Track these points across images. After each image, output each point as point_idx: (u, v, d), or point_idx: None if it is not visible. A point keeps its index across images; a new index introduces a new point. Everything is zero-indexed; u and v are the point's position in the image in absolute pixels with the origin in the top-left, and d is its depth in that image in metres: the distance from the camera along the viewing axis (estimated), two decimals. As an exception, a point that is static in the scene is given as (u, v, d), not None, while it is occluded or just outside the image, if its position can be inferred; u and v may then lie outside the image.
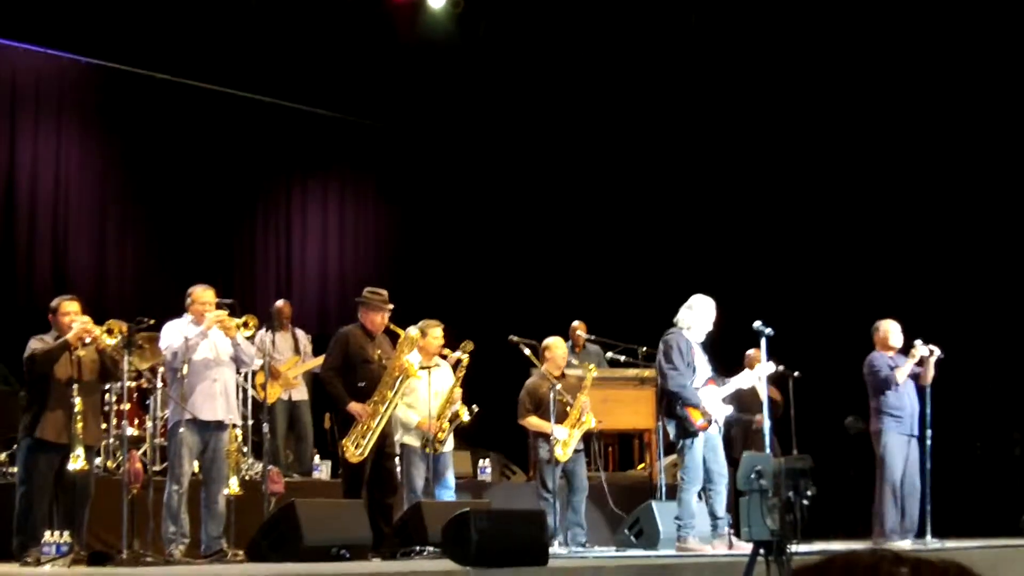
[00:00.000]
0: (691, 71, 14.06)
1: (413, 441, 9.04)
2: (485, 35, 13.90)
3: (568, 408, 9.60)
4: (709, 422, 8.80)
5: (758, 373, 9.18)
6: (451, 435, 9.30)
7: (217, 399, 8.10)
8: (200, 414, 8.01)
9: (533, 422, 9.61)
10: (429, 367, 8.94)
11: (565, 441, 9.54)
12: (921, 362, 9.52)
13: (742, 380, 9.16)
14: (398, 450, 9.05)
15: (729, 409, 9.01)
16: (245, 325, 8.12)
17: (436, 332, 9.13)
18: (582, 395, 9.70)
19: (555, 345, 9.89)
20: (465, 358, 9.06)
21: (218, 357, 8.16)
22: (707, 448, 8.85)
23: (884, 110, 13.29)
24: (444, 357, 9.40)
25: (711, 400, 8.85)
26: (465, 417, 9.14)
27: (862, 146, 13.52)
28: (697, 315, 8.94)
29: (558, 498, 9.44)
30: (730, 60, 13.85)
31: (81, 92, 12.31)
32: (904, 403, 9.48)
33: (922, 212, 13.08)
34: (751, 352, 10.23)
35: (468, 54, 13.94)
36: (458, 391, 9.14)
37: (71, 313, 7.72)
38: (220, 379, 8.15)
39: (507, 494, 10.67)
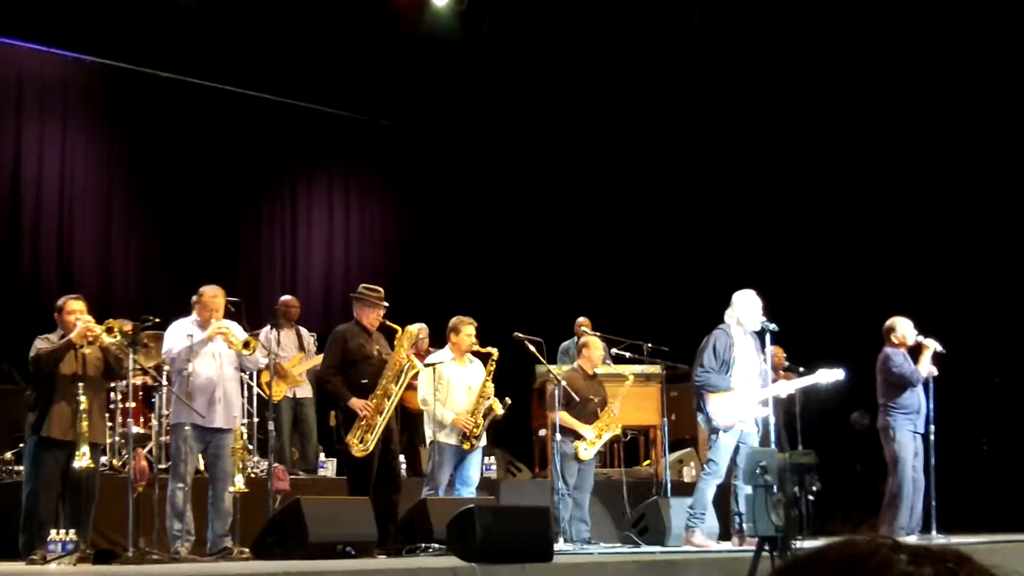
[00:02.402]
0: (695, 67, 14.05)
1: (446, 439, 9.01)
2: (489, 32, 13.89)
3: (598, 410, 9.60)
4: (734, 421, 8.77)
5: (796, 384, 9.21)
6: (484, 431, 9.26)
7: (216, 406, 8.08)
8: (201, 421, 8.01)
9: (564, 418, 9.56)
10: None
11: (592, 441, 9.55)
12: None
13: (781, 388, 9.14)
14: (427, 445, 9.08)
15: (767, 411, 8.96)
16: (246, 346, 8.10)
17: (469, 330, 9.14)
18: (617, 401, 9.71)
19: (593, 343, 10.00)
20: (495, 353, 9.08)
21: (221, 364, 8.16)
22: (742, 445, 8.81)
23: (889, 108, 13.27)
24: (474, 353, 9.38)
25: (746, 399, 8.82)
26: (499, 411, 9.14)
27: (863, 143, 13.51)
28: (738, 310, 8.94)
29: (569, 495, 9.46)
30: (735, 54, 13.84)
31: (86, 91, 12.32)
32: (915, 400, 9.49)
33: (925, 207, 13.06)
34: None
35: (473, 51, 13.94)
36: (490, 386, 9.14)
37: (76, 312, 7.73)
38: (221, 386, 8.13)
39: (513, 491, 10.67)
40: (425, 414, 9.12)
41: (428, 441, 9.07)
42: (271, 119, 13.32)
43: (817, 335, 11.51)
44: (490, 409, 9.10)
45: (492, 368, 9.12)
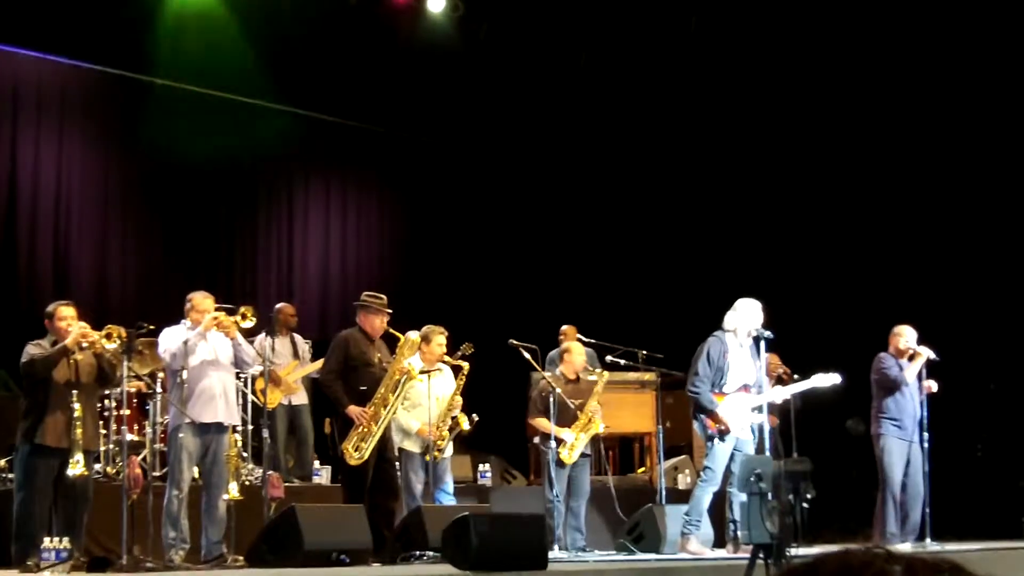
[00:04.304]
0: (691, 75, 14.06)
1: (412, 447, 9.03)
2: (485, 38, 13.90)
3: (578, 412, 9.60)
4: (728, 429, 8.77)
5: (793, 389, 9.22)
6: (450, 442, 9.26)
7: (217, 401, 8.11)
8: (200, 417, 8.01)
9: (542, 423, 9.58)
10: (430, 371, 8.94)
11: (572, 444, 9.53)
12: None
13: (776, 394, 9.14)
14: (396, 454, 9.05)
15: (762, 418, 8.95)
16: (243, 317, 8.13)
17: (440, 339, 9.13)
18: (593, 400, 9.70)
19: (574, 349, 10.02)
20: (466, 366, 9.06)
21: (217, 360, 8.17)
22: (737, 452, 8.81)
23: (885, 115, 13.28)
24: (445, 363, 9.37)
25: (737, 408, 8.81)
26: (465, 426, 9.12)
27: (860, 151, 13.51)
28: (740, 317, 8.92)
29: (561, 502, 9.44)
30: (731, 63, 13.85)
31: (82, 97, 12.30)
32: (906, 408, 9.49)
33: (922, 214, 13.07)
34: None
35: (469, 58, 13.94)
36: (458, 399, 9.13)
37: (67, 318, 7.71)
38: (219, 382, 8.16)
39: (508, 498, 10.65)
40: (392, 422, 9.09)
41: (396, 449, 9.01)
42: (268, 126, 13.30)
43: (813, 343, 11.51)
44: (456, 423, 9.09)
45: (462, 382, 9.11)
